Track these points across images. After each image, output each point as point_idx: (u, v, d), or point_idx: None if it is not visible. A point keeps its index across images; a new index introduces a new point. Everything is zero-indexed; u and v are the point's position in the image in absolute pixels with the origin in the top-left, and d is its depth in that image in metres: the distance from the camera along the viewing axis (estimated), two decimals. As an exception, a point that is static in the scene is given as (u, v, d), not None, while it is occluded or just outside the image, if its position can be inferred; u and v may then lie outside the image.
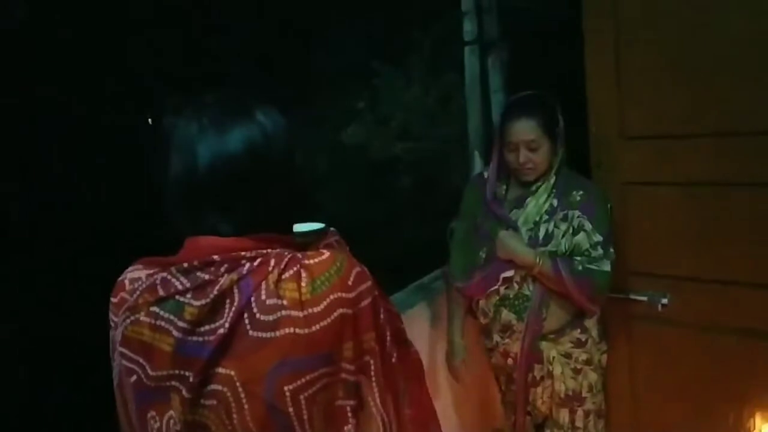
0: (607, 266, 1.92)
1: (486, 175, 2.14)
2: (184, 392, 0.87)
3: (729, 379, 2.04)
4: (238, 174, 0.91)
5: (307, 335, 0.86)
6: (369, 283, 0.94)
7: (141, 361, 0.91)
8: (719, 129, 1.93)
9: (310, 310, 0.87)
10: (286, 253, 0.92)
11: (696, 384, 2.11)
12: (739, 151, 1.91)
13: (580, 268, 1.90)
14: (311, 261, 0.91)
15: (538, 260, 1.91)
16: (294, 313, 0.87)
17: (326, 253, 0.93)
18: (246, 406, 0.86)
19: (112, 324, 0.98)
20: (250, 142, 0.91)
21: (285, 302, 0.87)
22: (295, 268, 0.90)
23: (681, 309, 2.07)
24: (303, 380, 0.87)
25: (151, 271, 0.94)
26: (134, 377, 0.92)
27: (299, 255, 0.93)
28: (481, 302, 2.07)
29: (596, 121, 2.15)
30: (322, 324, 0.87)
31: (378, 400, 0.94)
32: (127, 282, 0.97)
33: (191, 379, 0.86)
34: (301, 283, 0.88)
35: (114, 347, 0.97)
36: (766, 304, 1.93)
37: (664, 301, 2.07)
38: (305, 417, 0.87)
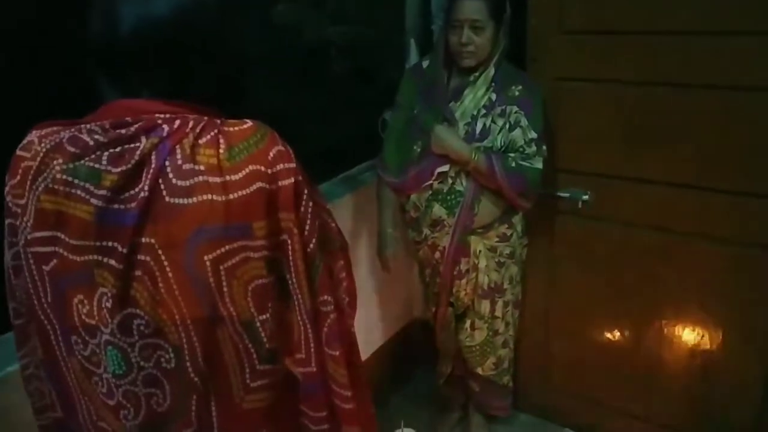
0: (539, 163, 1.93)
1: (425, 65, 2.07)
2: (114, 264, 0.83)
3: (641, 274, 2.15)
4: (162, 41, 0.86)
5: (224, 203, 0.83)
6: (291, 164, 0.90)
7: (59, 235, 0.86)
8: (653, 27, 1.91)
9: (228, 177, 0.84)
10: (204, 119, 0.87)
11: (609, 277, 2.22)
12: (668, 50, 1.90)
13: (513, 164, 1.91)
14: (231, 128, 0.87)
15: (473, 156, 1.90)
16: (211, 179, 0.83)
17: (249, 123, 0.89)
18: (170, 275, 0.84)
19: (18, 210, 0.89)
20: (178, 11, 0.87)
21: (202, 168, 0.83)
22: (212, 133, 0.85)
23: (601, 206, 2.14)
24: (222, 250, 0.84)
25: (47, 132, 0.88)
26: (53, 261, 0.87)
27: (218, 121, 0.88)
28: (413, 196, 2.06)
29: (536, 13, 2.09)
30: (240, 193, 0.84)
31: (294, 280, 0.93)
32: (23, 153, 0.89)
33: (120, 249, 0.83)
34: (219, 149, 0.84)
35: (22, 240, 0.89)
36: (680, 202, 2.01)
37: (585, 197, 2.13)
38: (225, 290, 0.86)
